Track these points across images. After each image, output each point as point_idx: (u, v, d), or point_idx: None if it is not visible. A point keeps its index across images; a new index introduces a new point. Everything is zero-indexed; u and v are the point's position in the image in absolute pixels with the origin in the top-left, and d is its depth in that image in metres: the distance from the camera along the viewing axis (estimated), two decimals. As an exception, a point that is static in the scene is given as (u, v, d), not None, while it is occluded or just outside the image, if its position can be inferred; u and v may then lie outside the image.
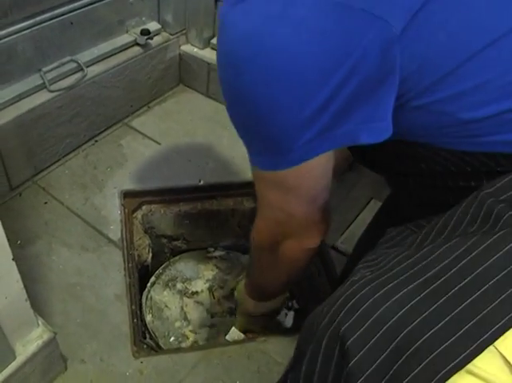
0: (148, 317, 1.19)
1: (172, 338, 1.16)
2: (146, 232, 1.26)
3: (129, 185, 1.26)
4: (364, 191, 1.34)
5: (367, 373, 0.45)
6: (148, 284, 1.25)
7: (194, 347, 1.11)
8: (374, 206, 1.29)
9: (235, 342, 1.03)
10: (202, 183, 1.27)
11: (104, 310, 1.04)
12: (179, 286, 1.28)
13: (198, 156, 1.35)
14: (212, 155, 1.36)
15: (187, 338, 1.17)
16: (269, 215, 0.67)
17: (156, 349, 1.04)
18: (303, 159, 0.54)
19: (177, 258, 1.34)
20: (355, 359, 0.46)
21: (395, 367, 0.43)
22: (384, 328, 0.45)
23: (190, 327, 1.19)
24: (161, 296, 1.25)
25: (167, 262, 1.32)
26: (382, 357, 0.44)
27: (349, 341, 0.47)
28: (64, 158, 1.32)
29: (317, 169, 0.58)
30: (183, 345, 1.16)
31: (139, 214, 1.25)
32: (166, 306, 1.22)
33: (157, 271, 1.29)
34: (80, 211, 1.20)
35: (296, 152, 0.53)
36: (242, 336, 1.10)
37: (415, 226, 0.63)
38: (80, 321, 1.01)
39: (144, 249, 1.23)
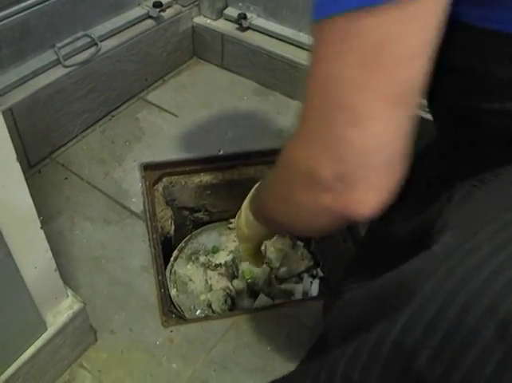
0: (173, 292, 1.18)
1: (198, 311, 1.16)
2: (168, 204, 1.24)
3: (148, 158, 1.24)
4: None
5: None
6: (172, 258, 1.25)
7: (224, 315, 1.10)
8: None
9: (264, 308, 1.02)
10: (221, 152, 1.26)
11: (130, 282, 1.03)
12: (202, 258, 1.27)
13: (217, 127, 1.33)
14: (230, 126, 1.34)
15: (214, 311, 1.16)
16: (314, 127, 0.41)
17: (185, 318, 1.02)
18: None
19: (199, 231, 1.34)
20: None
21: None
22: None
23: (213, 302, 1.18)
24: (185, 270, 1.25)
25: (189, 236, 1.32)
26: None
27: None
28: (82, 134, 1.31)
29: (418, 31, 0.36)
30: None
31: (159, 186, 1.24)
32: (190, 280, 1.22)
33: (180, 245, 1.29)
34: (101, 185, 1.19)
35: None
36: (270, 302, 1.10)
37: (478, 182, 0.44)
38: (107, 293, 1.01)
39: (167, 221, 1.22)
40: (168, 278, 1.19)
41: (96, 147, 1.29)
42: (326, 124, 0.39)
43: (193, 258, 1.28)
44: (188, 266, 1.25)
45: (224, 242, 1.33)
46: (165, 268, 1.17)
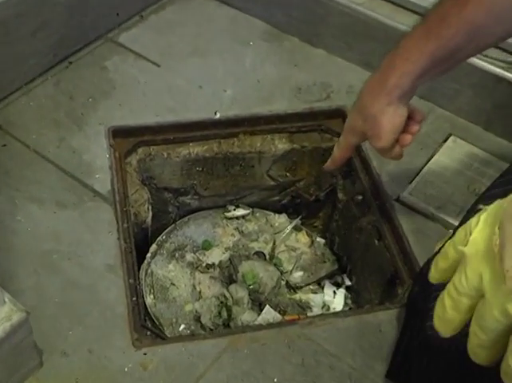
0: (149, 299, 1.17)
1: (182, 326, 1.15)
2: (144, 183, 1.23)
3: (119, 121, 1.23)
4: (439, 124, 1.29)
5: None
6: (148, 255, 1.24)
7: (216, 333, 1.08)
8: (453, 146, 1.26)
9: (270, 325, 1.02)
10: (218, 116, 1.26)
11: (91, 286, 1.01)
12: (190, 256, 1.27)
13: (213, 81, 1.32)
14: (231, 80, 1.33)
15: (203, 327, 1.15)
16: None
17: (163, 336, 1.00)
18: None
19: (185, 219, 1.33)
20: None
21: None
22: None
23: (202, 314, 1.18)
24: (165, 270, 1.24)
25: (173, 226, 1.31)
26: None
27: None
28: (28, 86, 1.28)
29: None
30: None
31: (133, 159, 1.22)
32: (172, 284, 1.22)
33: (159, 237, 1.28)
34: (54, 156, 1.17)
35: None
36: (279, 317, 1.09)
37: None
38: (59, 301, 0.98)
39: (142, 206, 1.20)
40: (143, 282, 1.19)
41: (48, 104, 1.27)
42: None
43: (177, 255, 1.27)
44: (170, 266, 1.25)
45: (219, 236, 1.32)
46: (139, 268, 1.16)
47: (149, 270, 1.23)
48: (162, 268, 1.24)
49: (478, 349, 0.53)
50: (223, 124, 1.26)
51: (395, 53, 0.86)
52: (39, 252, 1.05)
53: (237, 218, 1.35)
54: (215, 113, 1.26)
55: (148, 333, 0.98)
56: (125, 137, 1.22)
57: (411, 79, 0.85)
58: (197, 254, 1.28)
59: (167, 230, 1.30)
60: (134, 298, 1.00)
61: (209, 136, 1.26)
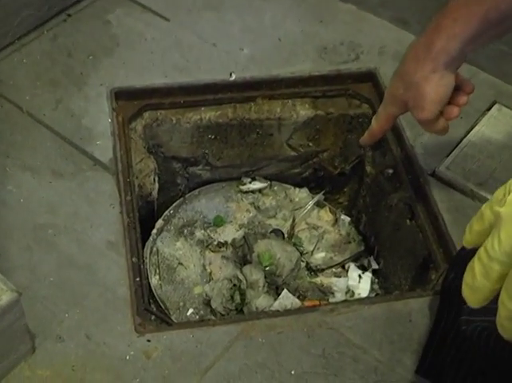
0: (154, 280, 1.18)
1: (190, 311, 1.16)
2: (150, 152, 1.23)
3: (123, 81, 1.23)
4: (482, 91, 1.26)
5: None
6: (154, 231, 1.25)
7: (228, 319, 1.08)
8: (498, 115, 1.24)
9: (288, 312, 1.01)
10: (233, 77, 1.25)
11: (90, 264, 1.01)
12: (200, 234, 1.28)
13: (228, 39, 1.33)
14: (249, 38, 1.33)
15: (213, 312, 1.16)
16: None
17: (169, 321, 1.00)
18: None
19: (196, 192, 1.34)
20: None
21: None
22: None
23: (212, 297, 1.18)
24: (172, 249, 1.25)
25: (182, 199, 1.32)
26: None
27: None
28: (21, 40, 1.28)
29: None
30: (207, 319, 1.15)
31: (138, 124, 1.22)
32: (180, 264, 1.23)
33: (166, 212, 1.29)
34: (49, 120, 1.17)
35: None
36: (297, 303, 1.08)
37: None
38: (54, 281, 0.98)
39: (148, 176, 1.20)
40: (148, 261, 1.19)
41: (44, 61, 1.25)
42: None
43: (186, 232, 1.27)
44: (178, 244, 1.25)
45: (232, 212, 1.33)
46: (143, 246, 1.15)
47: (154, 248, 1.23)
48: (169, 246, 1.24)
49: (506, 321, 0.52)
50: (239, 86, 1.26)
51: (442, 14, 0.84)
52: (32, 226, 1.04)
53: (253, 191, 1.35)
54: (230, 74, 1.26)
55: (153, 317, 0.97)
56: (129, 100, 1.22)
57: (459, 43, 0.83)
58: (208, 231, 1.28)
59: (175, 204, 1.31)
60: (137, 279, 1.00)
61: (223, 100, 1.25)
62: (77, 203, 1.08)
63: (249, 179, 1.36)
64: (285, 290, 1.13)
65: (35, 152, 1.13)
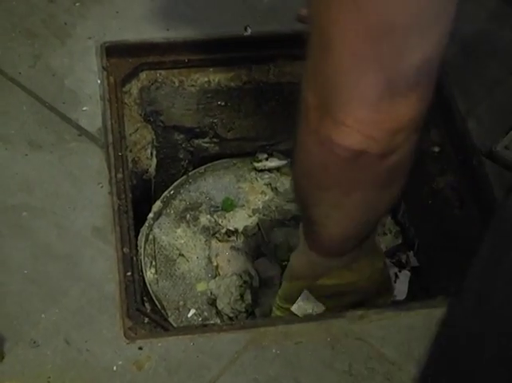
0: (149, 274, 1.19)
1: (192, 312, 1.17)
2: (147, 120, 1.24)
3: (116, 34, 1.23)
4: None
5: None
6: (150, 215, 1.25)
7: (236, 325, 1.08)
8: None
9: (308, 318, 1.02)
10: (249, 32, 1.25)
11: (71, 255, 1.01)
12: (205, 219, 1.28)
13: None
14: None
15: (219, 314, 1.17)
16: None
17: (165, 325, 1.00)
18: None
19: (201, 169, 1.34)
20: None
21: None
22: None
23: (218, 296, 1.18)
24: (172, 237, 1.26)
25: (184, 177, 1.33)
26: None
27: None
28: None
29: None
30: (212, 322, 1.16)
31: (134, 87, 1.22)
32: (181, 255, 1.23)
33: (166, 193, 1.29)
34: (26, 79, 1.17)
35: None
36: (321, 307, 1.07)
37: None
38: (28, 274, 0.99)
39: (144, 150, 1.21)
40: (142, 251, 1.20)
41: (20, 8, 1.26)
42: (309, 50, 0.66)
43: (188, 217, 1.28)
44: (179, 231, 1.26)
45: (245, 194, 1.33)
46: (137, 233, 1.16)
47: (151, 236, 1.23)
48: (168, 233, 1.25)
49: None
50: (256, 43, 1.25)
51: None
52: (4, 207, 1.05)
53: (269, 170, 1.34)
54: (245, 28, 1.25)
55: (146, 320, 0.98)
56: (123, 57, 1.22)
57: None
58: (215, 216, 1.28)
59: (176, 183, 1.31)
60: (128, 273, 1.00)
61: (236, 60, 1.26)
62: (58, 181, 1.08)
63: (265, 155, 1.36)
64: (306, 291, 1.09)
65: (8, 119, 1.13)
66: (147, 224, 1.23)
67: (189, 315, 1.16)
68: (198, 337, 0.96)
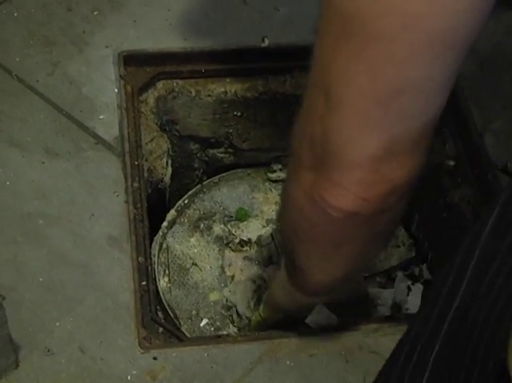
0: (163, 283, 1.19)
1: (204, 322, 1.17)
2: (163, 130, 1.23)
3: (134, 43, 1.23)
4: None
5: None
6: (164, 223, 1.25)
7: (250, 336, 1.06)
8: None
9: (323, 329, 1.01)
10: (266, 43, 1.24)
11: (87, 263, 1.01)
12: (218, 229, 1.28)
13: None
14: None
15: (231, 323, 1.17)
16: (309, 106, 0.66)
17: (180, 335, 1.00)
18: None
19: (216, 179, 1.34)
20: None
21: None
22: None
23: (236, 302, 1.19)
24: (186, 245, 1.25)
25: (199, 187, 1.32)
26: None
27: None
28: None
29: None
30: (224, 333, 1.16)
31: (150, 96, 1.22)
32: (194, 265, 1.23)
33: (180, 202, 1.29)
34: (44, 87, 1.17)
35: None
36: (334, 319, 1.06)
37: None
38: (44, 281, 0.99)
39: (159, 159, 1.21)
40: (156, 259, 1.19)
41: (38, 15, 1.25)
42: (307, 106, 0.66)
43: (202, 226, 1.28)
44: (192, 241, 1.26)
45: (259, 204, 1.32)
46: (151, 241, 1.17)
47: (164, 245, 1.23)
48: (181, 242, 1.25)
49: None
50: (273, 54, 1.25)
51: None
52: (20, 214, 1.04)
53: (283, 181, 1.30)
54: (263, 39, 1.25)
55: (160, 329, 0.98)
56: (141, 66, 1.22)
57: None
58: (228, 226, 1.28)
59: (190, 193, 1.30)
60: (143, 283, 1.00)
61: (253, 70, 1.25)
62: (74, 189, 1.08)
63: (279, 166, 1.35)
64: (320, 304, 1.09)
65: (25, 126, 1.13)
66: (160, 233, 1.23)
67: (201, 325, 1.16)
68: (213, 347, 0.96)
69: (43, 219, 1.04)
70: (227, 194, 1.32)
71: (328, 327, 1.04)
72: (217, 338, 1.06)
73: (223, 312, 1.18)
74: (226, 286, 1.21)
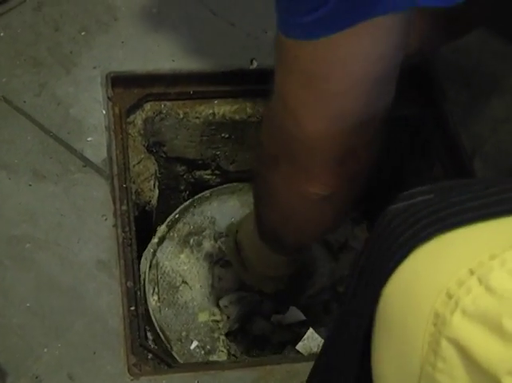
0: (152, 301, 1.18)
1: (194, 344, 1.16)
2: (150, 151, 1.24)
3: (121, 64, 1.23)
4: None
5: None
6: (154, 240, 1.24)
7: (241, 363, 1.08)
8: None
9: (314, 356, 0.99)
10: (255, 66, 1.25)
11: (75, 288, 1.01)
12: (208, 245, 1.26)
13: (250, 17, 1.31)
14: (274, 18, 1.26)
15: (222, 346, 1.17)
16: (275, 109, 0.81)
17: (170, 361, 1.00)
18: (341, 25, 0.66)
19: (207, 193, 1.32)
20: None
21: None
22: None
23: (227, 323, 1.19)
24: (175, 262, 1.24)
25: (190, 201, 1.31)
26: None
27: None
28: None
29: (365, 51, 0.69)
30: (214, 356, 1.15)
31: (138, 117, 1.22)
32: (184, 282, 1.22)
33: (171, 217, 1.28)
34: (31, 108, 1.16)
35: (333, 11, 0.65)
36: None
37: None
38: (31, 306, 0.98)
39: (147, 181, 1.21)
40: (146, 276, 1.18)
41: (25, 36, 1.25)
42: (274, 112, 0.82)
43: (192, 242, 1.26)
44: (182, 257, 1.25)
45: None
46: (139, 264, 1.17)
47: (154, 261, 1.22)
48: (171, 259, 1.23)
49: None
50: (261, 76, 1.21)
51: None
52: (6, 238, 1.04)
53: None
54: (251, 62, 1.25)
55: (150, 355, 0.98)
56: (128, 87, 1.22)
57: None
58: (219, 242, 1.26)
59: (181, 207, 1.29)
60: (132, 308, 1.00)
61: (241, 92, 1.25)
62: (62, 212, 1.07)
63: None
64: (311, 330, 1.12)
65: (12, 148, 1.13)
66: (151, 249, 1.23)
67: (192, 347, 1.15)
68: (203, 374, 0.96)
69: (30, 242, 1.04)
70: (218, 208, 1.31)
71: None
72: (207, 364, 1.07)
73: (213, 334, 1.17)
74: (216, 306, 1.21)
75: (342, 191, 0.83)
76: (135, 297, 1.01)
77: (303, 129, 0.77)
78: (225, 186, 1.34)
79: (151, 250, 1.22)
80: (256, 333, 1.19)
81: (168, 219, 1.27)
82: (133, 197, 1.14)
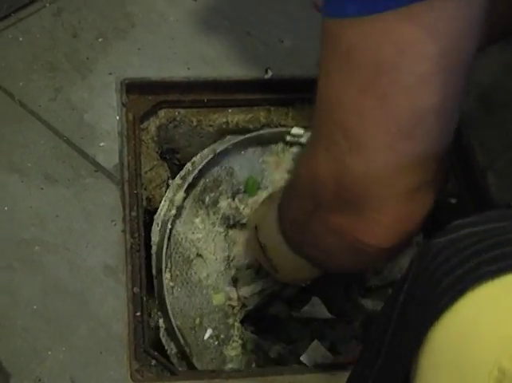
0: (165, 280, 1.08)
1: (208, 333, 1.10)
2: (163, 158, 1.23)
3: (137, 71, 1.23)
4: None
5: None
6: (167, 194, 1.14)
7: (244, 372, 1.06)
8: None
9: (317, 367, 1.02)
10: (269, 75, 1.25)
11: (82, 292, 1.01)
12: (225, 204, 1.15)
13: (265, 26, 1.30)
14: (290, 26, 1.31)
15: (237, 335, 1.12)
16: (326, 137, 0.69)
17: (173, 369, 0.99)
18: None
19: (230, 146, 1.20)
20: None
21: None
22: None
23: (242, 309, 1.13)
24: (189, 228, 1.13)
25: (211, 156, 1.18)
26: None
27: None
28: (17, 14, 1.27)
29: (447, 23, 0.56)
30: (228, 347, 1.11)
31: (152, 124, 1.22)
32: (198, 255, 1.12)
33: (188, 165, 1.18)
34: (45, 112, 1.16)
35: None
36: (329, 357, 1.08)
37: None
38: (37, 309, 0.98)
39: (158, 188, 1.19)
40: (164, 249, 1.08)
41: (43, 41, 1.25)
42: (327, 144, 0.67)
43: (207, 200, 1.14)
44: (197, 221, 1.14)
45: (271, 172, 1.21)
46: (147, 271, 1.11)
47: (168, 227, 1.10)
48: (185, 223, 1.13)
49: None
50: (275, 86, 1.25)
51: None
52: (16, 241, 1.04)
53: (301, 144, 1.20)
54: (266, 71, 1.25)
55: (153, 362, 0.97)
56: (143, 94, 1.22)
57: None
58: (236, 200, 1.16)
59: (206, 161, 1.16)
60: (137, 314, 1.00)
61: (255, 102, 1.25)
62: (72, 217, 1.07)
63: (301, 131, 1.22)
64: (316, 341, 1.10)
65: (25, 151, 1.13)
66: (163, 211, 1.13)
67: (205, 338, 1.10)
68: (206, 382, 0.96)
69: (39, 245, 1.04)
70: (239, 160, 1.21)
71: (323, 365, 1.04)
72: (210, 373, 1.06)
73: (227, 321, 1.12)
74: (231, 284, 1.13)
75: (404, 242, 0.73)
76: (140, 303, 1.01)
77: (367, 162, 0.64)
78: (249, 136, 1.22)
79: (165, 214, 1.13)
80: (272, 313, 1.15)
81: (185, 167, 1.18)
82: (144, 203, 1.14)
